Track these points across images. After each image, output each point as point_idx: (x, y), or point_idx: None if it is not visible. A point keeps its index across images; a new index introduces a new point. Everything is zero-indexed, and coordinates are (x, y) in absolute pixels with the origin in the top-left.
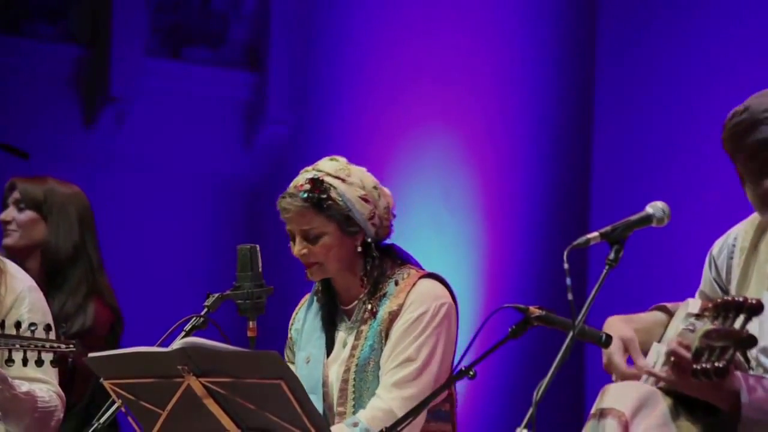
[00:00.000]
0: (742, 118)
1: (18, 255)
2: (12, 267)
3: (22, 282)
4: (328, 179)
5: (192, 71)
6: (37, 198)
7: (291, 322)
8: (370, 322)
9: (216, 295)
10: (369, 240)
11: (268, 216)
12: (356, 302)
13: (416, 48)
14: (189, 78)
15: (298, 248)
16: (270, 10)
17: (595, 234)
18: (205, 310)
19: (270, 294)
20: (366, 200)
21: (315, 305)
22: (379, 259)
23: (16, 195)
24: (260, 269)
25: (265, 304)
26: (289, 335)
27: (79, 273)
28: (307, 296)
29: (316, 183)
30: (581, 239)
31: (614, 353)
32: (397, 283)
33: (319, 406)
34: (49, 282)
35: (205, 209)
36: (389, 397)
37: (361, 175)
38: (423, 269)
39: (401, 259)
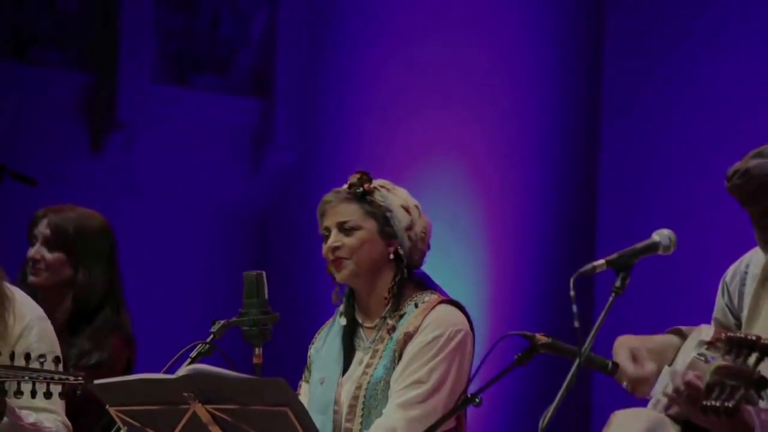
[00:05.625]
0: (743, 181)
1: (46, 294)
2: (21, 295)
3: (30, 311)
4: (375, 183)
5: (199, 97)
6: (68, 238)
7: (312, 341)
8: (386, 341)
9: (222, 321)
10: (401, 252)
11: (274, 242)
12: (378, 321)
13: (423, 75)
14: (196, 104)
15: (331, 241)
16: (277, 36)
17: (601, 261)
18: (211, 336)
19: (276, 321)
20: (407, 210)
21: (336, 326)
22: (408, 279)
23: (46, 232)
24: (266, 296)
25: (271, 331)
26: (309, 354)
27: (105, 313)
28: (331, 319)
29: (364, 177)
30: (587, 267)
31: (623, 360)
32: (417, 305)
33: (328, 426)
34: (77, 321)
35: (212, 235)
36: (394, 417)
37: (405, 192)
38: (446, 295)
39: (428, 286)
